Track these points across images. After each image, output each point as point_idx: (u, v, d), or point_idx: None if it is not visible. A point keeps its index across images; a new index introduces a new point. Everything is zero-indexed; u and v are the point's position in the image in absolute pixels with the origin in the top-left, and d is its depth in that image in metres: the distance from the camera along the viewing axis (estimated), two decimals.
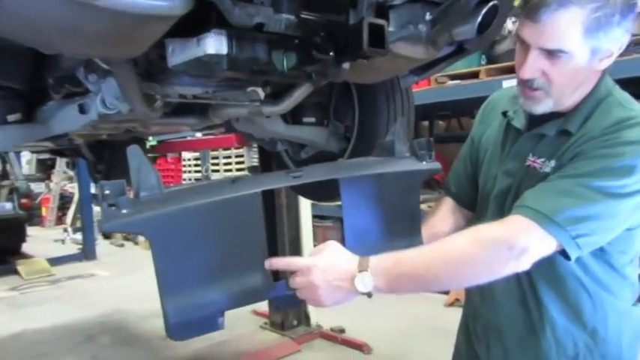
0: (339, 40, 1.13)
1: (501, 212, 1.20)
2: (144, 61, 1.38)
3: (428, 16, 1.33)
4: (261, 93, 1.71)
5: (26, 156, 13.40)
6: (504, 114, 1.29)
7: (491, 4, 1.36)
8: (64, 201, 11.09)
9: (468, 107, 5.24)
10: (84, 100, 1.44)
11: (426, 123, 5.85)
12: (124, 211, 0.92)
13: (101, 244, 7.99)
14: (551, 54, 1.08)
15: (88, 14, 0.90)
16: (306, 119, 1.95)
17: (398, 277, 1.01)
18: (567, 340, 1.15)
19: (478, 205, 1.34)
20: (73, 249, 7.64)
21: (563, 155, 1.12)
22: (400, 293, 1.17)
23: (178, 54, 1.19)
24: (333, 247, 1.06)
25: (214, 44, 1.10)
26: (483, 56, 4.37)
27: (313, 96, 1.87)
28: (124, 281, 5.81)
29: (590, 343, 1.14)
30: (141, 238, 7.73)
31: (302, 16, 1.11)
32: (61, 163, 10.73)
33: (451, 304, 4.34)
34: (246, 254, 1.06)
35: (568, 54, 1.06)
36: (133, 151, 0.95)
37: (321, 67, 1.25)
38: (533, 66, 1.10)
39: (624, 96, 1.16)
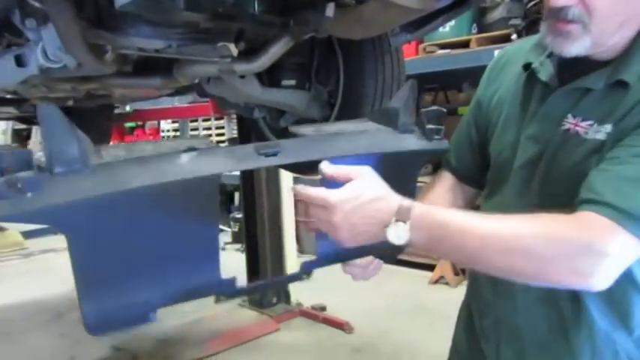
0: None
1: (528, 186, 1.00)
2: (91, 3, 1.16)
3: None
4: (233, 49, 1.51)
5: (1, 125, 12.96)
6: (526, 67, 1.05)
7: None
8: None
9: (455, 80, 5.09)
10: (22, 50, 1.22)
11: None
12: (29, 194, 0.68)
13: None
14: None
15: None
16: (285, 82, 1.75)
17: (441, 240, 0.83)
18: (607, 348, 0.96)
19: (491, 178, 1.12)
20: None
21: (625, 118, 0.88)
22: (431, 254, 0.97)
23: None
24: (367, 178, 0.86)
25: None
26: (474, 25, 4.17)
27: (293, 55, 1.68)
28: None
29: (633, 353, 0.96)
30: None
31: None
32: (37, 133, 10.36)
33: (435, 282, 4.25)
34: (191, 245, 0.86)
35: None
36: (45, 111, 0.71)
37: (301, 12, 1.05)
38: None
39: None
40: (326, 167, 0.89)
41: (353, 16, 1.22)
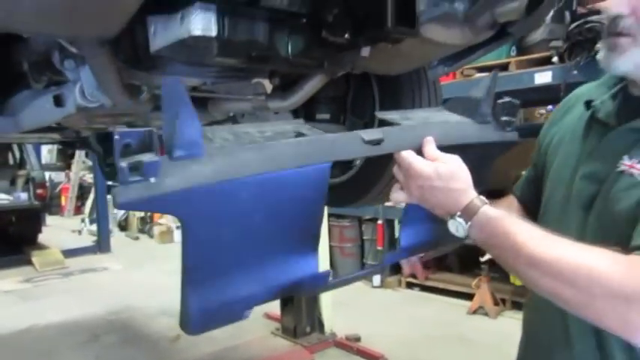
0: (356, 17, 0.90)
1: (583, 228, 0.96)
2: (128, 44, 1.17)
3: None
4: (267, 85, 1.50)
5: (47, 145, 13.49)
6: (588, 104, 1.03)
7: None
8: (83, 191, 11.09)
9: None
10: (60, 90, 1.24)
11: None
12: (152, 179, 0.63)
13: (116, 236, 7.94)
14: None
15: None
16: (319, 115, 1.73)
17: (496, 248, 0.87)
18: None
19: (543, 216, 1.10)
20: (89, 240, 7.57)
21: None
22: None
23: (161, 35, 0.99)
24: (453, 166, 0.90)
25: (201, 23, 0.88)
26: (514, 47, 4.08)
27: (328, 89, 1.65)
28: (136, 275, 5.72)
29: None
30: (156, 231, 7.66)
31: None
32: (80, 152, 10.71)
33: (474, 312, 4.10)
34: (295, 236, 0.86)
35: None
36: (171, 86, 0.66)
37: (335, 54, 1.02)
38: None
39: None
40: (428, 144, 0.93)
41: (389, 52, 1.18)
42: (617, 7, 0.88)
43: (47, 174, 9.73)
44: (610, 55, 0.91)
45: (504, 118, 1.10)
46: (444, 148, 0.95)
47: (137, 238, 8.07)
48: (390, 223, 4.83)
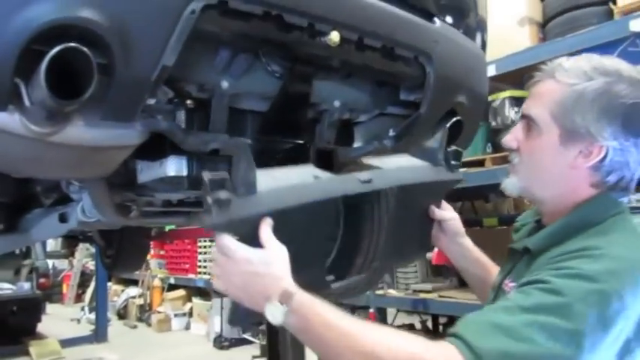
0: (295, 162, 1.17)
1: None
2: (120, 176, 1.44)
3: (392, 132, 1.38)
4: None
5: None
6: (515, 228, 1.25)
7: (454, 119, 1.40)
8: (85, 278, 11.12)
9: (480, 191, 5.22)
10: (65, 209, 1.50)
11: None
12: (227, 208, 0.89)
13: (114, 325, 7.92)
14: (527, 123, 1.05)
15: (47, 148, 0.96)
16: None
17: (308, 329, 0.89)
18: None
19: None
20: (88, 329, 7.58)
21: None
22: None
23: (146, 172, 1.26)
24: (276, 255, 0.93)
25: (174, 167, 1.15)
26: (489, 144, 4.39)
27: None
28: None
29: None
30: (154, 320, 7.68)
31: (260, 139, 1.16)
32: (82, 246, 10.81)
33: None
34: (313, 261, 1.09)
35: (537, 125, 1.02)
36: (241, 148, 0.99)
37: None
38: (513, 134, 1.09)
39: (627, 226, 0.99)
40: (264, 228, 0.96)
41: None
42: (509, 143, 1.09)
43: (51, 262, 9.87)
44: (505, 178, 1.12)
45: (453, 162, 1.37)
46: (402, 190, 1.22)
47: (135, 327, 8.06)
48: (381, 312, 4.92)
